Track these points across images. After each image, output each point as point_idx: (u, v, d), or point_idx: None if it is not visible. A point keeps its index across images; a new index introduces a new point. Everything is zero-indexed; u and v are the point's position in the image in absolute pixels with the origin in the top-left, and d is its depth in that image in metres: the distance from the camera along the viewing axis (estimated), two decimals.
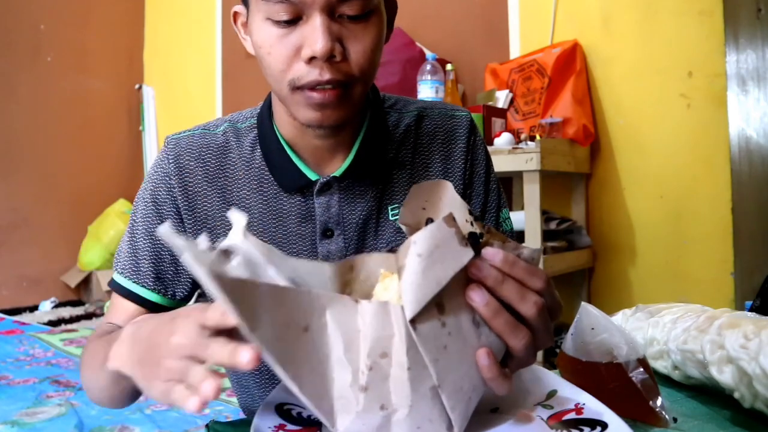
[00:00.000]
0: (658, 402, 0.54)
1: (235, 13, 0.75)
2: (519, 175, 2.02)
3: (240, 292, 0.40)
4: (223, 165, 0.78)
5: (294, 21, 0.63)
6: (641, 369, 0.55)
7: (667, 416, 0.53)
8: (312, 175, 0.75)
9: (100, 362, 0.61)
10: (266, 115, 0.78)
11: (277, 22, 0.64)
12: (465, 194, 0.81)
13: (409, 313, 0.42)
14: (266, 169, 0.77)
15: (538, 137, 1.98)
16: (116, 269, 0.79)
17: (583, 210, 2.32)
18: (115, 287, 0.78)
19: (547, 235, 2.03)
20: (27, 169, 3.49)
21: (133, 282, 0.77)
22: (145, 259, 0.77)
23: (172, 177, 0.78)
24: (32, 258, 3.50)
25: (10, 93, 3.39)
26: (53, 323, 3.14)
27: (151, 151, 3.96)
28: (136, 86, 4.02)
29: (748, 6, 2.00)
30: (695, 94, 2.12)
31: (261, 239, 0.73)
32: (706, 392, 0.61)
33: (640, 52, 2.22)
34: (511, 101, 2.33)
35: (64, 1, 3.63)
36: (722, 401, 0.58)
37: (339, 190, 0.75)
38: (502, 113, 2.26)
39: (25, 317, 3.26)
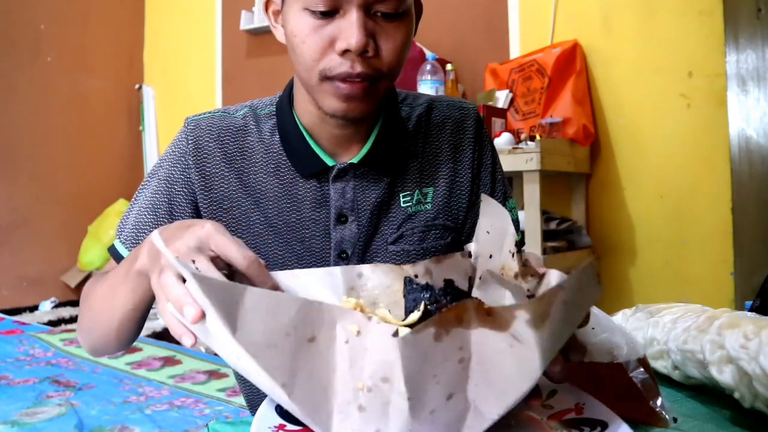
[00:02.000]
0: (658, 402, 0.54)
1: (268, 1, 0.76)
2: (519, 175, 2.02)
3: (223, 295, 0.40)
4: (242, 147, 0.80)
5: (331, 13, 0.65)
6: (641, 369, 0.55)
7: (667, 416, 0.53)
8: (329, 161, 0.77)
9: (115, 287, 0.66)
10: (286, 102, 0.80)
11: (314, 13, 0.66)
12: (473, 184, 0.84)
13: (543, 366, 0.40)
14: (284, 154, 0.79)
15: (538, 137, 1.98)
16: (118, 237, 0.80)
17: (583, 210, 2.32)
18: (114, 254, 0.80)
19: (547, 235, 2.03)
20: (27, 169, 3.48)
21: (130, 252, 0.78)
22: (145, 232, 0.78)
23: (189, 157, 0.79)
24: (32, 258, 3.50)
25: (10, 93, 3.39)
26: (53, 323, 3.14)
27: (151, 151, 3.96)
28: (136, 86, 4.02)
29: (748, 6, 2.00)
30: (695, 94, 2.12)
31: (276, 223, 0.78)
32: (706, 392, 0.61)
33: (640, 52, 2.23)
34: (511, 101, 2.33)
35: (64, 1, 3.63)
36: (722, 401, 0.58)
37: (354, 177, 0.78)
38: (502, 113, 2.26)
39: (25, 317, 3.26)
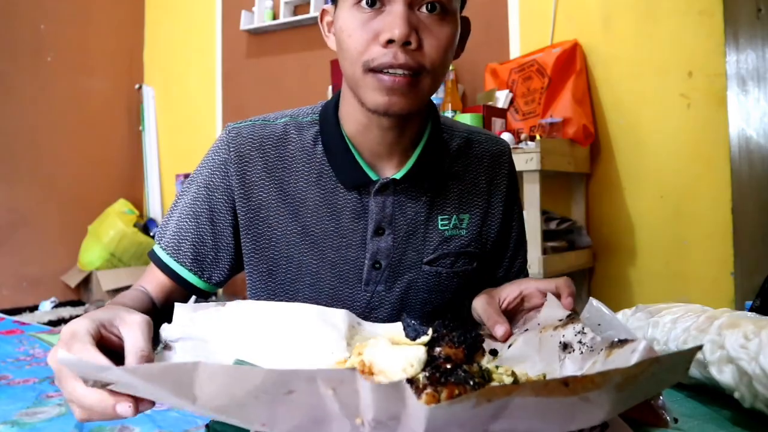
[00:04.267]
0: (659, 402, 0.54)
1: (323, 11, 0.80)
2: (519, 175, 2.01)
3: (171, 377, 0.39)
4: (282, 156, 0.81)
5: (378, 7, 0.69)
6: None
7: (667, 416, 0.53)
8: (373, 175, 0.79)
9: None
10: (332, 111, 0.81)
11: (362, 8, 0.69)
12: (504, 216, 0.89)
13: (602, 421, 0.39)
14: (327, 163, 0.80)
15: (538, 137, 1.98)
16: (159, 243, 0.82)
17: (583, 210, 2.32)
18: (155, 259, 0.82)
19: (547, 235, 2.03)
20: (27, 169, 3.48)
21: (173, 259, 0.81)
22: (186, 239, 0.81)
23: (230, 164, 0.80)
24: (32, 258, 3.50)
25: (10, 93, 3.39)
26: (53, 323, 3.13)
27: (151, 151, 3.96)
28: (136, 86, 4.02)
29: (748, 6, 2.00)
30: (695, 94, 2.12)
31: (313, 231, 0.79)
32: (706, 392, 0.61)
33: (640, 52, 2.23)
34: (511, 101, 2.33)
35: (65, 1, 3.63)
36: (722, 401, 0.58)
37: (395, 192, 0.80)
38: (502, 113, 2.26)
39: (25, 317, 3.25)
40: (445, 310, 0.85)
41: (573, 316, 0.58)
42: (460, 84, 2.59)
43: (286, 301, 0.81)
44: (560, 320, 0.58)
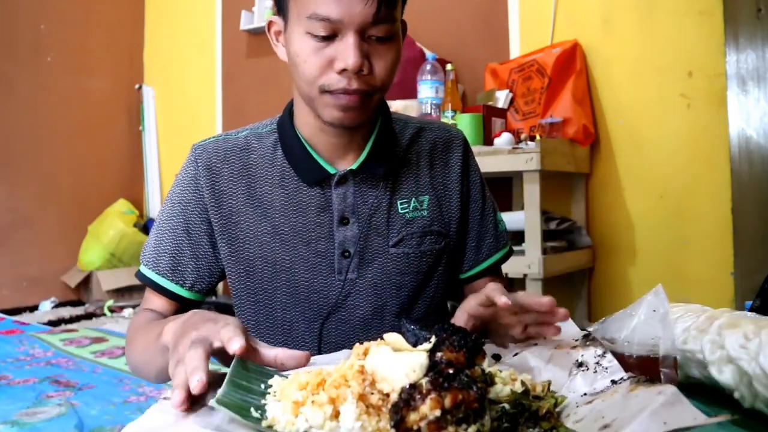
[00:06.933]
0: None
1: (270, 22, 0.86)
2: (519, 175, 2.02)
3: None
4: (246, 164, 0.89)
5: (330, 37, 0.74)
6: (673, 369, 0.54)
7: None
8: (331, 169, 0.85)
9: (154, 338, 0.70)
10: (287, 119, 0.89)
11: (315, 37, 0.75)
12: (461, 195, 0.93)
13: None
14: (288, 166, 0.87)
15: (538, 137, 1.98)
16: (142, 261, 0.90)
17: (583, 210, 2.32)
18: (141, 278, 0.90)
19: (547, 235, 2.03)
20: (27, 169, 3.48)
21: (155, 272, 0.88)
22: (166, 252, 0.88)
23: (200, 178, 0.88)
24: (32, 258, 3.50)
25: (10, 93, 3.39)
26: (53, 323, 3.13)
27: (151, 151, 3.96)
28: (136, 86, 4.02)
29: (748, 6, 2.00)
30: (695, 94, 2.12)
31: (283, 230, 0.86)
32: (706, 392, 0.61)
33: (640, 52, 2.23)
34: (511, 101, 2.33)
35: (65, 1, 3.63)
36: (722, 401, 0.58)
37: (354, 182, 0.86)
38: (502, 113, 2.26)
39: (25, 317, 3.26)
40: (420, 293, 0.90)
41: (590, 338, 0.59)
42: (460, 84, 2.59)
43: (265, 298, 0.88)
44: (576, 339, 0.59)
